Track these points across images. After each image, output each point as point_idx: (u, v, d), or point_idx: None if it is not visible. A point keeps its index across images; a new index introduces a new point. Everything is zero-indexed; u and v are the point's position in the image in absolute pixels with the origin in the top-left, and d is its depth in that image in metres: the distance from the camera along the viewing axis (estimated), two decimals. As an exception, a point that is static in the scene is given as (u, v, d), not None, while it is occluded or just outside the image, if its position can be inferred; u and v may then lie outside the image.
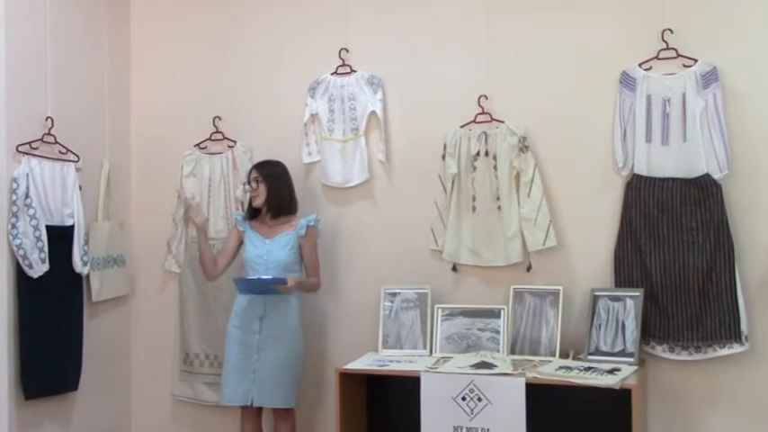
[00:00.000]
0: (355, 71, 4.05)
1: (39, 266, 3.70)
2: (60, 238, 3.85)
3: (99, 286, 4.14)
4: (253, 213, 3.88)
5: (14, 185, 3.64)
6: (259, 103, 4.24)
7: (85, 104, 4.18)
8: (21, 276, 3.66)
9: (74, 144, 4.00)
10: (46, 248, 3.72)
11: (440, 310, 3.77)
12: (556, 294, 3.62)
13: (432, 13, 3.94)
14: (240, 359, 3.72)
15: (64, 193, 3.92)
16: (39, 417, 3.83)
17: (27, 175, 3.70)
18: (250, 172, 3.87)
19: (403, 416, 3.60)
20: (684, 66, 3.50)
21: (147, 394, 4.45)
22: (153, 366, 4.43)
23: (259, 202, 3.82)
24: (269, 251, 3.76)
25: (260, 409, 3.80)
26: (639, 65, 3.57)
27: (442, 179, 3.84)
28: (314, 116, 4.11)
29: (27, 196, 3.68)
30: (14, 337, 3.66)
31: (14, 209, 3.63)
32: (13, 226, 3.62)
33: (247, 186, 3.84)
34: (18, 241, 3.62)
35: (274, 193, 3.80)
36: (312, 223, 3.80)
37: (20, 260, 3.63)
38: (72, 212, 3.94)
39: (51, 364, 3.81)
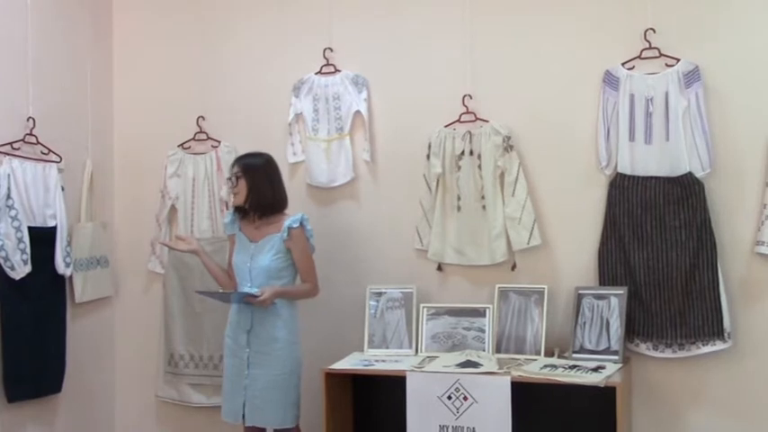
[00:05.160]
0: (340, 71, 4.04)
1: (21, 268, 3.67)
2: (43, 240, 3.82)
3: (82, 287, 4.12)
4: (243, 212, 3.59)
5: (-4, 186, 3.62)
6: (243, 103, 4.23)
7: (68, 104, 4.15)
8: (2, 278, 3.63)
9: (56, 144, 3.97)
10: (28, 250, 3.69)
11: (425, 310, 3.78)
12: (540, 293, 3.63)
13: (416, 13, 3.94)
14: (233, 373, 3.52)
15: (46, 193, 3.89)
16: (22, 420, 3.80)
17: (8, 175, 3.67)
18: (232, 166, 3.62)
19: (389, 415, 3.61)
20: (667, 65, 3.52)
21: (132, 396, 4.42)
22: (137, 368, 4.40)
23: (239, 200, 3.53)
24: (252, 256, 3.51)
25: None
26: (622, 64, 3.59)
27: (426, 179, 3.85)
28: (298, 116, 4.10)
29: (8, 197, 3.65)
30: (-4, 340, 3.64)
31: (-4, 210, 3.60)
32: (-5, 227, 3.59)
33: (229, 183, 3.59)
34: (0, 243, 3.58)
35: (255, 189, 3.49)
36: (296, 225, 3.49)
37: (1, 262, 3.60)
38: (54, 213, 3.91)
39: (34, 366, 3.77)
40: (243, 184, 3.51)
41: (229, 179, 3.59)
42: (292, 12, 4.15)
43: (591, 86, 3.64)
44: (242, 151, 4.07)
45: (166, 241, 3.96)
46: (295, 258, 3.54)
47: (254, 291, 3.43)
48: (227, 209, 3.97)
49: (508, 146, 3.71)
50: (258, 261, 3.50)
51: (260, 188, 3.51)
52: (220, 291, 3.68)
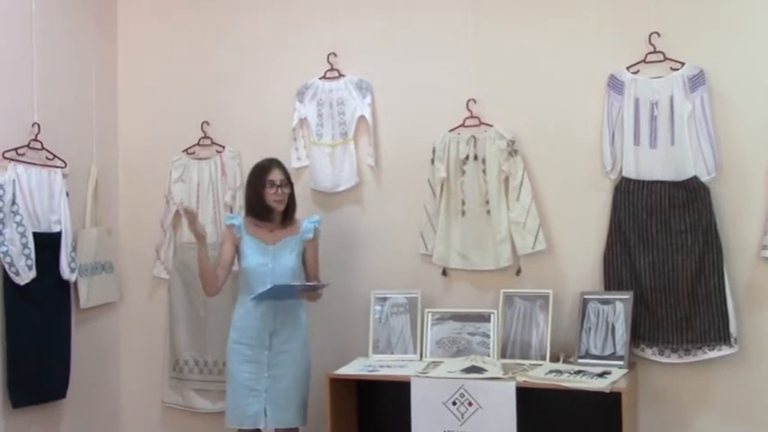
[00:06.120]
0: (344, 75, 4.04)
1: (26, 273, 3.67)
2: (47, 245, 3.82)
3: (87, 293, 4.12)
4: (259, 217, 3.61)
5: (0, 192, 3.61)
6: (247, 108, 4.23)
7: (72, 110, 4.16)
8: (7, 283, 3.63)
9: (61, 150, 3.97)
10: (33, 255, 3.70)
11: (430, 315, 3.77)
12: (546, 298, 3.62)
13: (420, 17, 3.94)
14: (248, 378, 3.52)
15: (51, 199, 3.90)
16: (26, 425, 3.80)
17: (14, 181, 3.67)
18: (269, 171, 3.59)
19: (393, 421, 3.59)
20: (672, 69, 3.51)
21: (137, 402, 4.43)
22: (142, 373, 4.40)
23: (283, 206, 3.62)
24: (274, 258, 3.57)
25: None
26: (627, 68, 3.58)
27: (431, 183, 3.84)
28: (303, 121, 4.10)
29: (14, 203, 3.66)
30: (1, 345, 3.63)
31: (1, 216, 3.60)
32: (0, 233, 3.59)
33: (276, 190, 3.56)
34: (5, 248, 3.59)
35: (293, 196, 3.69)
36: (318, 225, 3.68)
37: (6, 267, 3.61)
38: (59, 219, 3.92)
39: (39, 371, 3.78)
40: (287, 191, 3.63)
41: (278, 186, 3.57)
42: (296, 17, 4.15)
43: (595, 91, 3.63)
44: (246, 156, 4.09)
45: (190, 209, 3.67)
46: (309, 257, 3.67)
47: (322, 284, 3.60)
48: (231, 212, 3.99)
49: (512, 150, 3.70)
50: (282, 262, 3.58)
51: (293, 194, 3.69)
52: (283, 284, 3.52)
